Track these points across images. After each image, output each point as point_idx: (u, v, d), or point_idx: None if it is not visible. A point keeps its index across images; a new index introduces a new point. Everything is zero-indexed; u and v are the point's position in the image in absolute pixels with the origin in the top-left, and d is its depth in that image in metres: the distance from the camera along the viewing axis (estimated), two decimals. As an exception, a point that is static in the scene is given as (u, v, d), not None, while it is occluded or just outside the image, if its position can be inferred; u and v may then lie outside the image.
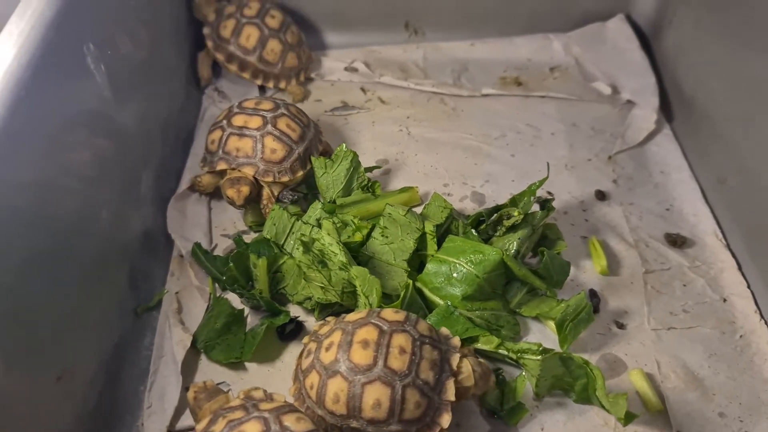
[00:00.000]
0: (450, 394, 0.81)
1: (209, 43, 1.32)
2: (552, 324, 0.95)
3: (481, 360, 0.87)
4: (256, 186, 1.08)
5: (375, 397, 0.78)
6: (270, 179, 1.08)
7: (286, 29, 1.33)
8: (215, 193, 1.15)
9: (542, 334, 0.97)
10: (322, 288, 0.95)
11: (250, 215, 1.11)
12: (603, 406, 0.87)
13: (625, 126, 1.28)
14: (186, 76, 1.33)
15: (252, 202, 1.09)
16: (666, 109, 1.32)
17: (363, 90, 1.38)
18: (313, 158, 1.09)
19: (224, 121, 1.10)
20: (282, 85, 1.34)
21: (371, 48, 1.46)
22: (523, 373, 0.90)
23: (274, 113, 1.10)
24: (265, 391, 0.78)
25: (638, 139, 1.25)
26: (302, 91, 1.35)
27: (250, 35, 1.30)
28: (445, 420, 0.81)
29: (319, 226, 1.00)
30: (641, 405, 0.90)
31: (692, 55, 1.28)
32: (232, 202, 1.07)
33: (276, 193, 1.09)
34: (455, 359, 0.83)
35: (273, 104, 1.12)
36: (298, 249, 0.97)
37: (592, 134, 1.28)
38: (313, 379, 0.82)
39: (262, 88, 1.36)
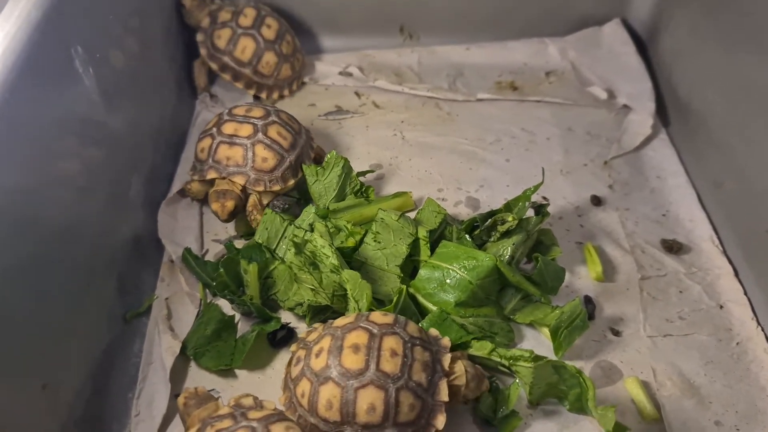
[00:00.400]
0: (443, 394, 0.81)
1: (203, 51, 1.29)
2: (546, 331, 0.94)
3: (476, 365, 0.86)
4: (243, 200, 1.07)
5: (369, 401, 0.78)
6: (261, 188, 1.06)
7: (282, 39, 1.31)
8: (207, 199, 1.13)
9: (537, 341, 0.96)
10: (312, 290, 0.94)
11: (242, 225, 1.10)
12: (596, 416, 0.87)
13: (621, 131, 1.27)
14: (178, 80, 1.32)
15: (239, 214, 1.07)
16: (662, 114, 1.31)
17: (357, 94, 1.37)
18: (304, 167, 1.07)
19: (214, 129, 1.09)
20: (275, 96, 1.33)
21: (366, 52, 1.45)
22: (517, 381, 0.89)
23: (265, 121, 1.09)
24: (255, 398, 0.77)
25: (634, 144, 1.24)
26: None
27: (245, 47, 1.27)
28: (440, 421, 0.80)
29: (312, 230, 0.99)
30: (637, 413, 0.89)
31: (688, 60, 1.27)
32: (217, 216, 1.06)
33: (266, 202, 1.08)
34: (446, 360, 0.83)
35: (264, 111, 1.10)
36: (290, 250, 0.96)
37: (587, 139, 1.27)
38: (304, 386, 0.81)
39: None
